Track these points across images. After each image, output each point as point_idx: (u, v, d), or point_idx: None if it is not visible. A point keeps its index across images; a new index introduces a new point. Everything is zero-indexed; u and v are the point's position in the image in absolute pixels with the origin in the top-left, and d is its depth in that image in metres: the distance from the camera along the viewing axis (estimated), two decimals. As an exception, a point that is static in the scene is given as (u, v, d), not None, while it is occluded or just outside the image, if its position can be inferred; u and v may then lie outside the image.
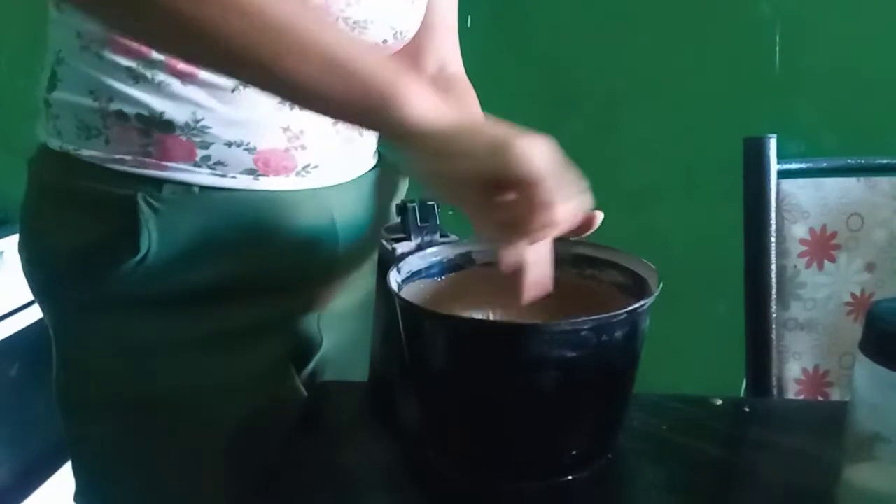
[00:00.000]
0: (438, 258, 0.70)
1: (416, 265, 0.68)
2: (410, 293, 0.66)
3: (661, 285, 0.62)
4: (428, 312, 0.61)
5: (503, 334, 0.58)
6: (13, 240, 1.67)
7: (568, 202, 0.54)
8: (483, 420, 0.61)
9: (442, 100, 0.57)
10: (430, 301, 0.68)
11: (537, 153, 0.53)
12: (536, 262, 0.61)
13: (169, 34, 0.56)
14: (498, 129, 0.55)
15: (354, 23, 0.71)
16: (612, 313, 0.57)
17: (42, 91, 0.74)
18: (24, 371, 1.63)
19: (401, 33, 0.78)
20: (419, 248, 0.69)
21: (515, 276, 0.60)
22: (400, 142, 0.58)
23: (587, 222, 0.71)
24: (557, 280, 0.71)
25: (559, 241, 0.72)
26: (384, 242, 0.69)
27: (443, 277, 0.71)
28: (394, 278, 0.64)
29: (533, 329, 0.57)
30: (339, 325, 0.83)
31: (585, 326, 0.56)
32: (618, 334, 0.58)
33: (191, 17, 0.53)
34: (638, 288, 0.66)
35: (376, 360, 0.74)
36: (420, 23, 0.82)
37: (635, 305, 0.58)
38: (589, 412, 0.62)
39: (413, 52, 0.88)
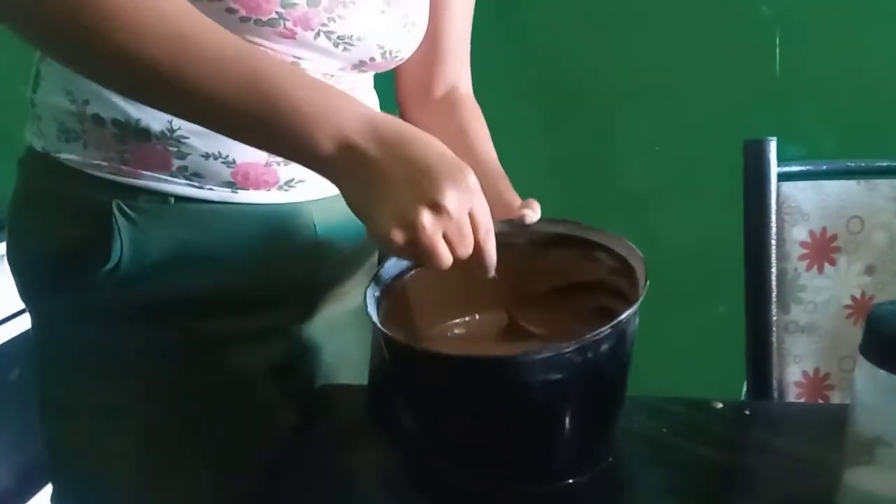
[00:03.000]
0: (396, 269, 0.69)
1: (393, 270, 0.68)
2: (394, 298, 0.65)
3: (648, 283, 0.61)
4: (406, 348, 0.61)
5: (485, 368, 0.57)
6: (13, 243, 1.65)
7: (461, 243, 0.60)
8: (476, 443, 0.62)
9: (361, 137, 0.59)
10: (415, 306, 0.67)
11: (400, 254, 0.59)
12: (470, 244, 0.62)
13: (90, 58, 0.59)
14: (375, 213, 0.58)
15: (339, 38, 0.70)
16: (594, 333, 0.55)
17: (29, 91, 0.74)
18: (25, 375, 1.63)
19: (390, 53, 0.76)
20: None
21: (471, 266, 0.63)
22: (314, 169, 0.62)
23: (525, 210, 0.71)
24: (544, 263, 0.70)
25: (546, 221, 0.71)
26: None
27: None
28: (371, 298, 0.64)
29: (512, 361, 0.56)
30: (329, 334, 0.82)
31: (567, 350, 0.55)
32: (604, 348, 0.57)
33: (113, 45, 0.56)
34: (626, 274, 0.65)
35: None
36: (416, 46, 0.81)
37: (618, 319, 0.56)
38: (584, 423, 0.61)
39: (424, 79, 0.88)
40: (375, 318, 0.62)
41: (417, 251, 0.58)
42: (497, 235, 0.68)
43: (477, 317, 0.73)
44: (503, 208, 0.72)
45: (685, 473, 0.65)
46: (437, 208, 0.57)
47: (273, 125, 0.58)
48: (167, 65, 0.56)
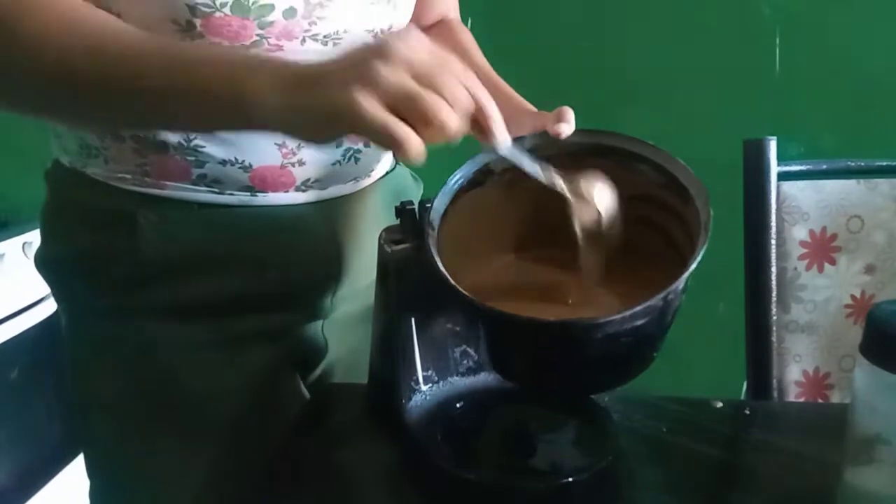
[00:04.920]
0: (458, 184, 0.67)
1: (440, 206, 0.65)
2: (444, 243, 0.63)
3: (712, 212, 0.60)
4: (488, 311, 0.58)
5: (580, 331, 0.57)
6: (13, 242, 1.67)
7: (441, 115, 0.50)
8: (554, 378, 0.62)
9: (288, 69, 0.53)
10: (466, 246, 0.66)
11: (374, 107, 0.49)
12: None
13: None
14: (328, 92, 0.51)
15: (325, 37, 0.69)
16: (679, 280, 0.56)
17: None
18: (24, 374, 1.63)
19: (381, 31, 0.75)
20: (418, 249, 0.69)
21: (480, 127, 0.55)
22: (266, 130, 0.57)
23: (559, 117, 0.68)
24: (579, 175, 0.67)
25: (582, 132, 0.68)
26: (383, 245, 0.69)
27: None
28: (432, 243, 0.61)
29: (605, 323, 0.56)
30: (346, 331, 0.83)
31: (652, 301, 0.55)
32: (680, 286, 0.57)
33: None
34: (674, 189, 0.64)
35: (375, 362, 0.74)
36: (408, 15, 0.79)
37: (696, 257, 0.57)
38: (657, 341, 0.62)
39: (415, 12, 0.84)
40: (453, 282, 0.59)
41: (383, 137, 0.50)
42: (530, 150, 0.65)
43: (517, 253, 0.72)
44: (535, 117, 0.71)
45: (685, 472, 0.65)
46: (367, 83, 0.49)
47: (207, 95, 0.55)
48: (90, 73, 0.57)
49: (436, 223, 0.64)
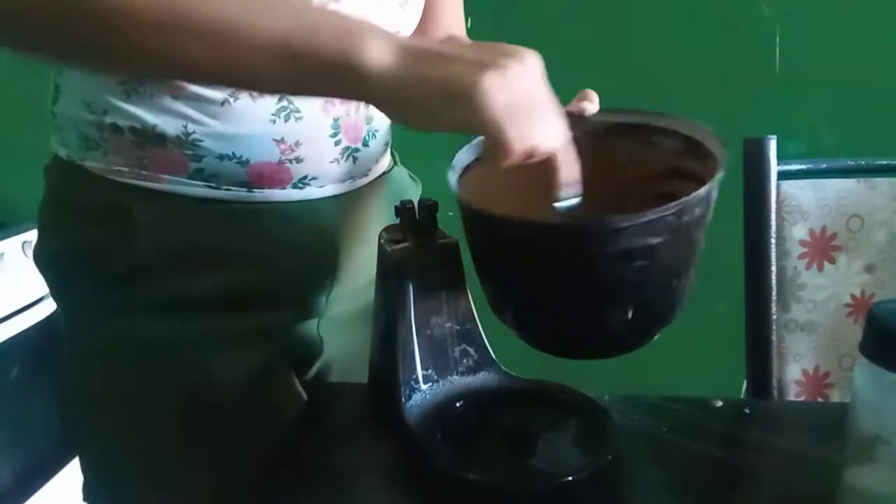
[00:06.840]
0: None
1: (464, 160, 0.65)
2: (473, 190, 0.62)
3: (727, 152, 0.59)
4: (515, 222, 0.56)
5: (589, 232, 0.55)
6: (13, 242, 1.67)
7: (546, 135, 0.53)
8: (561, 312, 0.60)
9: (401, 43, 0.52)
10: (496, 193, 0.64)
11: (500, 99, 0.49)
12: (565, 161, 0.56)
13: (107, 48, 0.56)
14: (455, 68, 0.50)
15: None
16: (692, 195, 0.54)
17: (49, 102, 0.76)
18: (24, 374, 1.63)
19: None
20: (417, 248, 0.69)
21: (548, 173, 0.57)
22: (368, 99, 0.56)
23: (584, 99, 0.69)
24: (603, 157, 0.68)
25: (606, 112, 0.70)
26: (383, 244, 0.69)
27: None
28: (452, 179, 0.61)
29: (615, 226, 0.53)
30: (342, 330, 0.83)
31: (670, 212, 0.54)
32: (697, 211, 0.56)
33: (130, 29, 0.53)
34: (693, 153, 0.64)
35: (375, 361, 0.74)
36: (417, 21, 0.81)
37: (715, 177, 0.56)
38: (670, 290, 0.61)
39: (420, 28, 0.87)
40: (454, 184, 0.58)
41: (493, 134, 0.51)
42: None
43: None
44: None
45: (685, 472, 0.65)
46: (501, 75, 0.50)
47: (314, 50, 0.53)
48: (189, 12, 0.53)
49: (458, 169, 0.63)
